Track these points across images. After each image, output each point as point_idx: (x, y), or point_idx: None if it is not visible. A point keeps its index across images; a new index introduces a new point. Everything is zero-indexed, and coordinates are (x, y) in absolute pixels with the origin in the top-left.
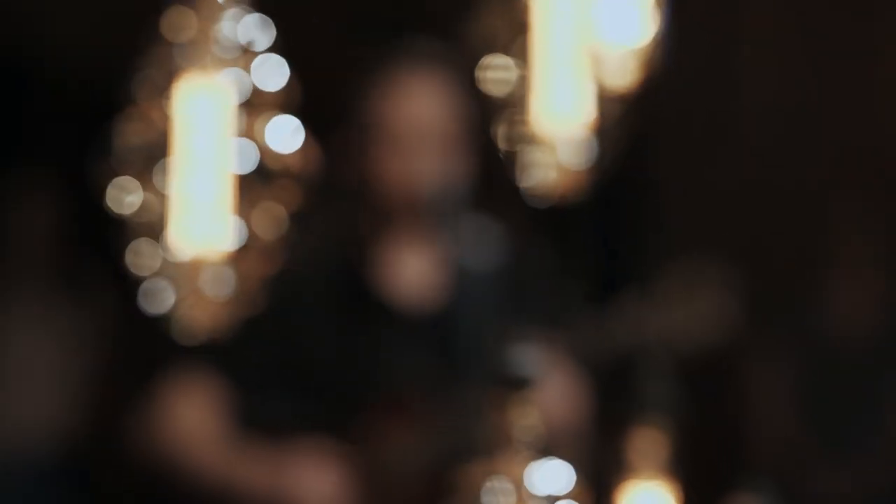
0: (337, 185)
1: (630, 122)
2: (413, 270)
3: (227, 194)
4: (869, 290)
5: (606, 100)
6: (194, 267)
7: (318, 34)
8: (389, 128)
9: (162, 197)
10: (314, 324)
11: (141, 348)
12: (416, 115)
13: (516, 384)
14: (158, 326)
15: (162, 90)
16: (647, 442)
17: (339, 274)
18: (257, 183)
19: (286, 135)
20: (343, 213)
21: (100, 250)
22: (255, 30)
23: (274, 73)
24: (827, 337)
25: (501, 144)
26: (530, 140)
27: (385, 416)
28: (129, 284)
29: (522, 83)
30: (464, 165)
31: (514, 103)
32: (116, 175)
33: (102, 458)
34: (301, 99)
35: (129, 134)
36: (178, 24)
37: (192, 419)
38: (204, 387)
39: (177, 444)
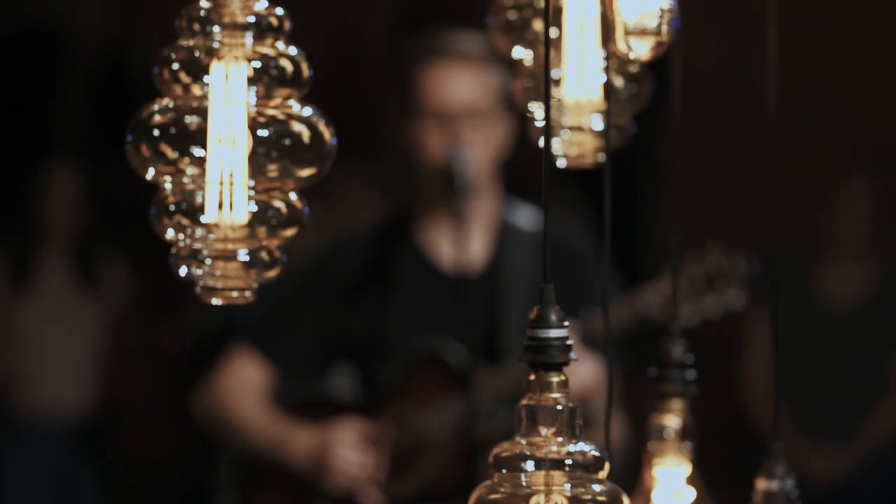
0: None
1: (647, 92)
2: (455, 238)
3: (251, 170)
4: (863, 275)
5: (625, 70)
6: (220, 235)
7: (363, 24)
8: (432, 107)
9: (192, 173)
10: (356, 291)
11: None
12: (456, 95)
13: (555, 364)
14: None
15: (191, 71)
16: (668, 421)
17: (385, 241)
18: (279, 157)
19: (308, 114)
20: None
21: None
22: (278, 16)
23: (296, 57)
24: (823, 317)
25: (529, 112)
26: (557, 107)
27: (426, 381)
28: (151, 267)
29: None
30: (499, 140)
31: (539, 73)
32: (145, 149)
33: (123, 430)
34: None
35: (158, 113)
36: (205, 11)
37: (239, 390)
38: (249, 365)
39: (225, 409)
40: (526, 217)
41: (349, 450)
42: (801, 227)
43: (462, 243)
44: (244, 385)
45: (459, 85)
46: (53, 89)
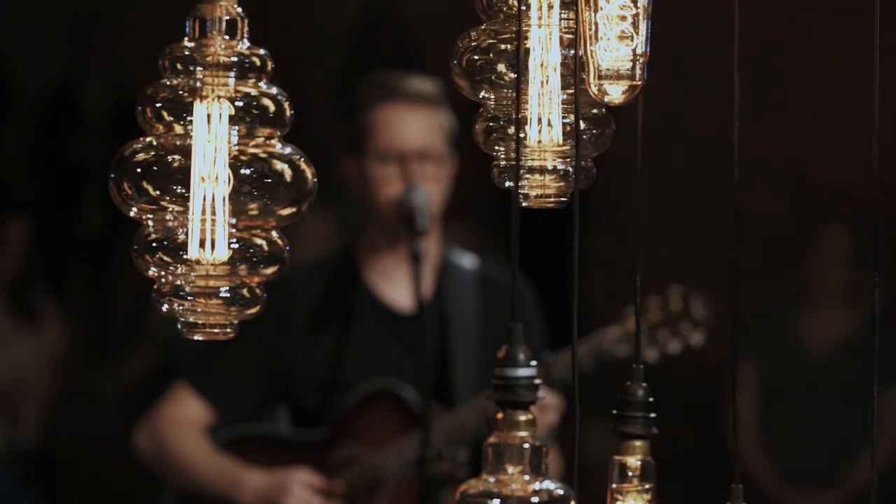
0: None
1: (610, 134)
2: (405, 277)
3: (232, 208)
4: (838, 320)
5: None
6: (202, 272)
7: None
8: (388, 147)
9: (171, 208)
10: (302, 329)
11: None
12: (411, 136)
13: (523, 402)
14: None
15: (173, 110)
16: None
17: (333, 279)
18: (260, 196)
19: (289, 153)
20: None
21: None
22: (260, 56)
23: (278, 97)
24: (805, 363)
25: (493, 153)
26: (522, 149)
27: (377, 418)
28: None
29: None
30: (448, 181)
31: (506, 114)
32: (128, 187)
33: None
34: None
35: (141, 151)
36: (188, 48)
37: (180, 428)
38: (189, 403)
39: (167, 446)
40: (465, 256)
41: (306, 491)
42: (782, 274)
43: (418, 282)
44: (185, 423)
45: (414, 125)
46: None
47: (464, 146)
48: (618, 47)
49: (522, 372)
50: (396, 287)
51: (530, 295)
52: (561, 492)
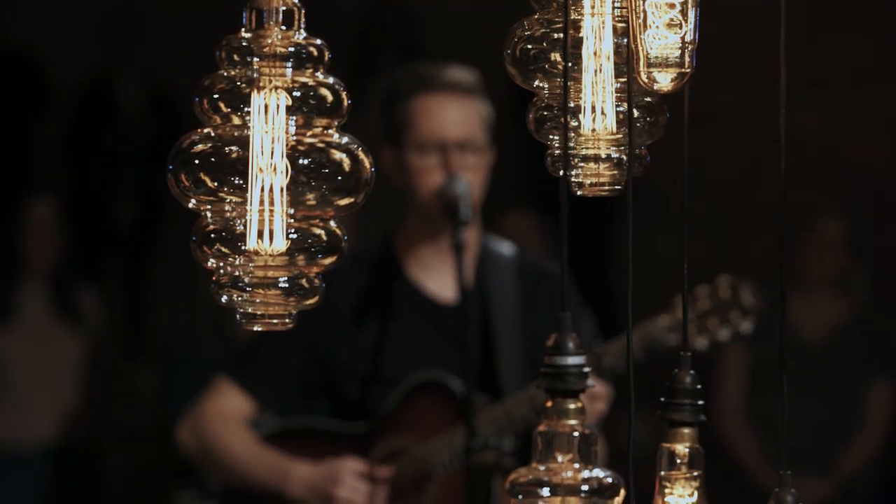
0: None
1: (662, 123)
2: (446, 268)
3: (290, 198)
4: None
5: (645, 100)
6: (260, 262)
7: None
8: (429, 137)
9: (229, 199)
10: (345, 321)
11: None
12: (451, 126)
13: (573, 391)
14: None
15: (231, 101)
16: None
17: (375, 271)
18: (318, 186)
19: (346, 143)
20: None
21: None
22: (317, 46)
23: (335, 87)
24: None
25: (547, 142)
26: (577, 137)
27: (424, 410)
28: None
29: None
30: (487, 170)
31: (560, 103)
32: (185, 178)
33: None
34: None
35: (198, 142)
36: (245, 38)
37: (224, 421)
38: (232, 397)
39: (212, 440)
40: (503, 244)
41: (356, 480)
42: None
43: (461, 272)
44: (228, 416)
45: (454, 115)
46: (32, 119)
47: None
48: (667, 35)
49: (572, 360)
50: (438, 278)
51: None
52: (611, 480)
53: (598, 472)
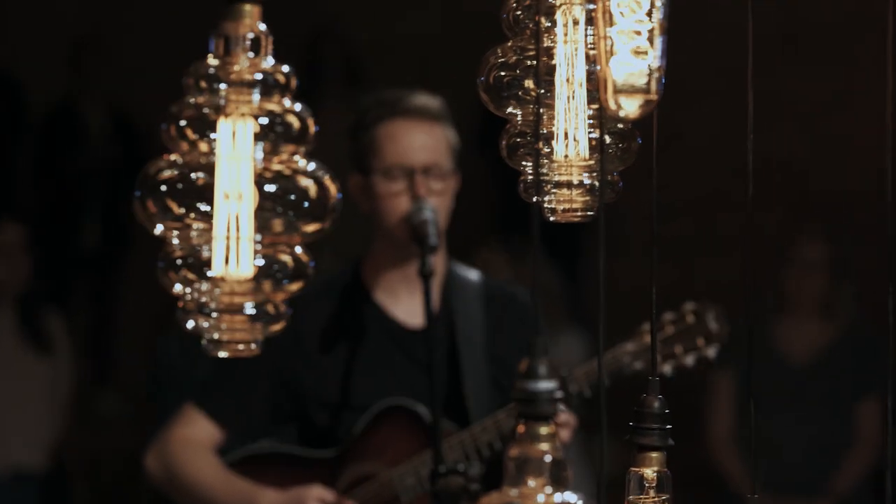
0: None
1: (634, 149)
2: (414, 293)
3: (257, 225)
4: (815, 330)
5: (617, 126)
6: (227, 288)
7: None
8: (395, 163)
9: (197, 225)
10: (311, 346)
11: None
12: (418, 151)
13: (544, 415)
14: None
15: (198, 128)
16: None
17: (345, 298)
18: (285, 212)
19: (313, 169)
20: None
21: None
22: (284, 73)
23: (302, 114)
24: (785, 371)
25: (519, 168)
26: (550, 164)
27: (390, 435)
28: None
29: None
30: (453, 197)
31: (528, 128)
32: (152, 205)
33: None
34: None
35: (165, 168)
36: (213, 69)
37: (191, 449)
38: (198, 424)
39: (179, 468)
40: (469, 270)
41: None
42: (760, 284)
43: (429, 297)
44: (195, 444)
45: (420, 141)
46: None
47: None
48: (632, 62)
49: (544, 385)
50: (405, 304)
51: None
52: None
53: (570, 497)
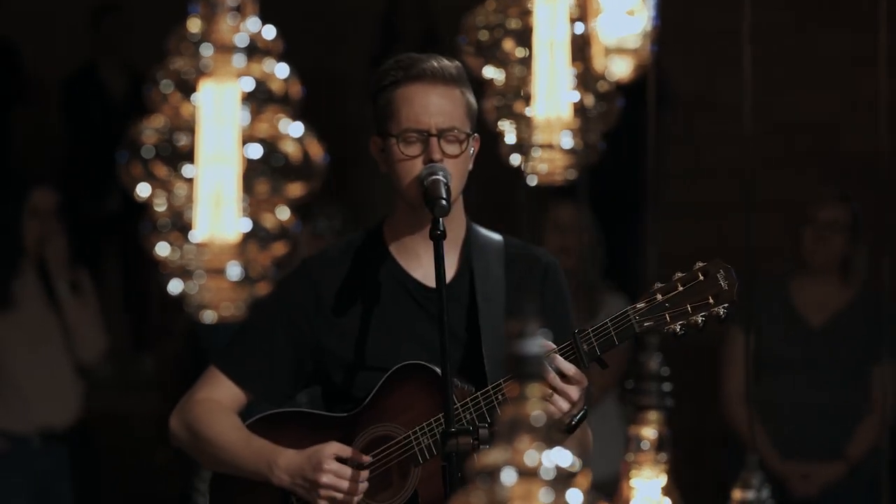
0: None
1: (616, 110)
2: (431, 255)
3: (240, 186)
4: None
5: (601, 88)
6: (212, 251)
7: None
8: (411, 128)
9: (182, 188)
10: (338, 310)
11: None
12: (434, 114)
13: (529, 374)
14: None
15: (183, 91)
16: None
17: (366, 259)
18: (267, 176)
19: (294, 132)
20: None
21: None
22: (270, 37)
23: (287, 78)
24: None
25: (501, 130)
26: (530, 125)
27: (408, 395)
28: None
29: (522, 71)
30: (471, 160)
31: (513, 90)
32: (139, 168)
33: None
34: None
35: (151, 130)
36: (197, 31)
37: (213, 410)
38: (222, 386)
39: (201, 428)
40: (489, 232)
41: (338, 465)
42: (779, 247)
43: (441, 261)
44: (217, 406)
45: (436, 104)
46: (21, 109)
47: None
48: (624, 22)
49: (533, 347)
50: (424, 264)
51: (559, 267)
52: (572, 462)
53: (561, 455)
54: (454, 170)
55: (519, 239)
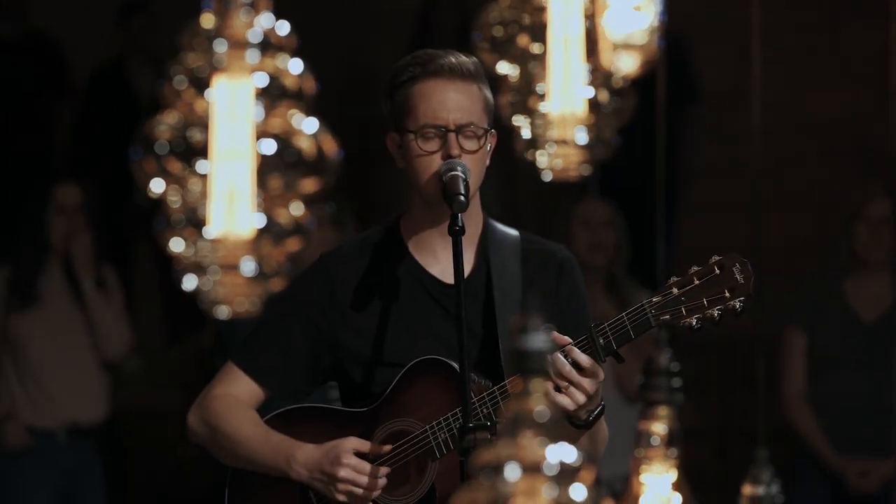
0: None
1: (631, 106)
2: (449, 250)
3: (254, 182)
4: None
5: (615, 84)
6: (226, 247)
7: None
8: (428, 124)
9: (196, 183)
10: (355, 306)
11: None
12: (452, 113)
13: (532, 369)
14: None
15: (197, 86)
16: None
17: (384, 255)
18: (281, 172)
19: (308, 128)
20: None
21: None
22: (283, 32)
23: (301, 74)
24: (857, 330)
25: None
26: (543, 120)
27: (426, 390)
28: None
29: (536, 67)
30: (488, 156)
31: (526, 85)
32: (153, 164)
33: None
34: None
35: (165, 126)
36: (210, 27)
37: (231, 406)
38: (240, 381)
39: (219, 423)
40: (506, 228)
41: (356, 460)
42: (830, 244)
43: (459, 257)
44: (236, 401)
45: (453, 99)
46: (51, 105)
47: None
48: (630, 19)
49: (537, 342)
50: (442, 260)
51: (575, 262)
52: (578, 458)
53: (565, 451)
54: (472, 165)
55: (535, 235)
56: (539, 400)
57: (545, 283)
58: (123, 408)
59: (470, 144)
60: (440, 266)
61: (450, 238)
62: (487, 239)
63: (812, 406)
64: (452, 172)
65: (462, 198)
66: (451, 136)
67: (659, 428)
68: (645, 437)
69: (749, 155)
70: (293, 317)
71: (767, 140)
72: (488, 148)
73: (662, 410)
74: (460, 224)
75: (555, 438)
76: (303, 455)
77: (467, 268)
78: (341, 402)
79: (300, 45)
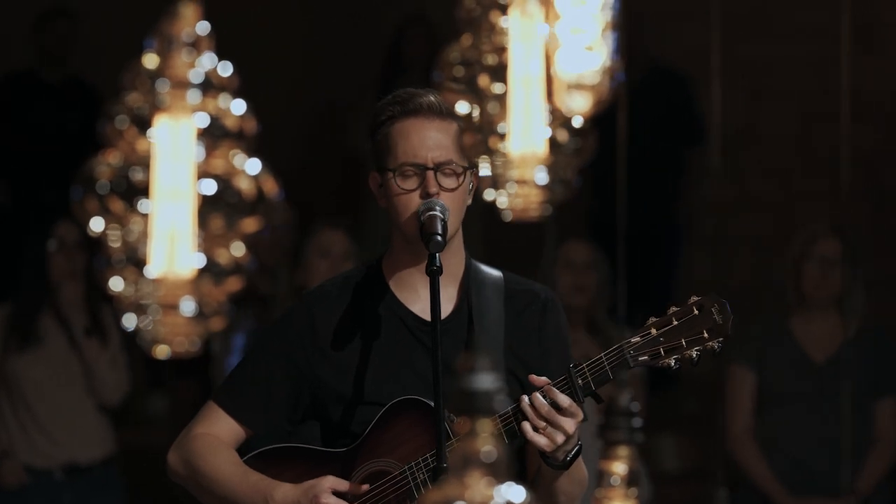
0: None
1: (591, 146)
2: (428, 289)
3: (195, 221)
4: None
5: (569, 124)
6: (166, 286)
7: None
8: (407, 163)
9: (137, 223)
10: (335, 345)
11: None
12: (431, 151)
13: (484, 411)
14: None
15: (138, 126)
16: (615, 468)
17: (365, 293)
18: (222, 212)
19: (250, 169)
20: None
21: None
22: (225, 73)
23: (241, 113)
24: (805, 369)
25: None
26: (504, 160)
27: (405, 430)
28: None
29: (496, 107)
30: (468, 194)
31: (485, 125)
32: (94, 203)
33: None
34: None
35: (106, 166)
36: (153, 66)
37: (211, 445)
38: (220, 421)
39: (198, 462)
40: (488, 268)
41: (335, 499)
42: (778, 283)
43: (436, 296)
44: (215, 441)
45: (432, 138)
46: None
47: None
48: (582, 59)
49: (483, 382)
50: (422, 299)
51: (559, 303)
52: (523, 499)
53: (512, 491)
54: (451, 204)
55: (518, 275)
56: (486, 440)
57: (528, 323)
58: (121, 446)
59: (449, 182)
60: (421, 304)
61: (435, 275)
62: (469, 277)
63: (760, 444)
64: (431, 212)
65: (439, 238)
66: (430, 173)
67: (619, 468)
68: (606, 478)
69: (759, 192)
70: (274, 355)
71: (779, 176)
72: (470, 186)
73: (622, 450)
74: (438, 264)
75: (502, 479)
76: (281, 494)
77: (449, 306)
78: (321, 442)
79: (242, 86)
